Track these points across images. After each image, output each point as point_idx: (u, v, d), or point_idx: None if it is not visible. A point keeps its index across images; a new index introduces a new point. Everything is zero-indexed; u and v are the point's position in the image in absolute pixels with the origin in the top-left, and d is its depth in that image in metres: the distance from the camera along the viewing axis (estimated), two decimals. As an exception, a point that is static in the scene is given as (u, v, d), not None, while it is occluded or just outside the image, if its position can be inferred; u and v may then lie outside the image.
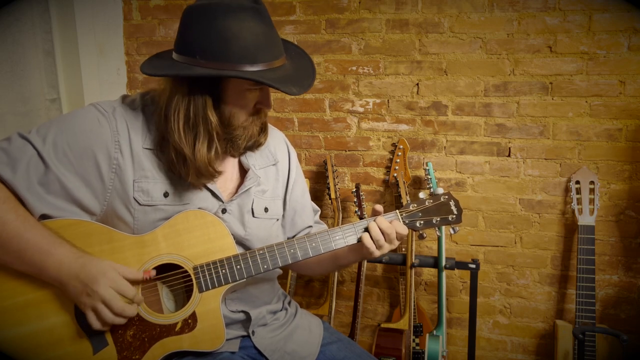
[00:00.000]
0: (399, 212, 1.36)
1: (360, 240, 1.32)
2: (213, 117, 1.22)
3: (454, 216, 1.38)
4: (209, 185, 1.31)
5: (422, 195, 1.40)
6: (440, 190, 1.41)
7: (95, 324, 1.15)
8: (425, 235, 1.40)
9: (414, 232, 2.24)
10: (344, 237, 1.33)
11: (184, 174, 1.25)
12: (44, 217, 1.20)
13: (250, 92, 1.25)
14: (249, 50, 1.17)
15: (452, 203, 1.39)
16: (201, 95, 1.21)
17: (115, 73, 2.73)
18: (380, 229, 1.30)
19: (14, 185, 1.17)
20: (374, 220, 1.31)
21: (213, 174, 1.28)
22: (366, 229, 1.32)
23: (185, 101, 1.21)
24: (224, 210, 1.33)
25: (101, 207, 1.25)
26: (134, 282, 1.18)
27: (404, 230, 1.32)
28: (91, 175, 1.22)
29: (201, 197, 1.31)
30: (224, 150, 1.30)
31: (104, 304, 1.13)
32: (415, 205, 1.38)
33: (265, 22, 1.21)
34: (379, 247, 1.31)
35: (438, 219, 1.38)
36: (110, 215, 1.26)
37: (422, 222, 1.37)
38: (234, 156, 1.38)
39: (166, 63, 1.24)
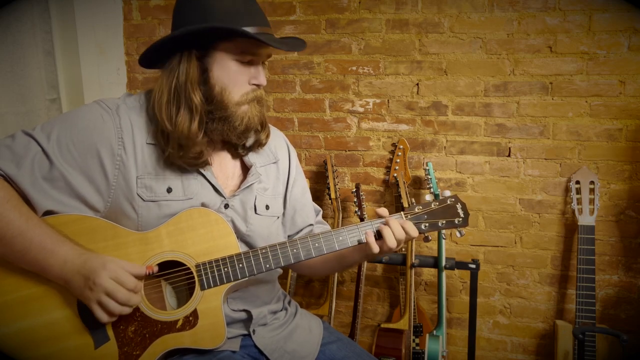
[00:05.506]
0: (404, 214, 1.34)
1: (365, 242, 1.31)
2: (196, 93, 1.23)
3: (461, 219, 1.36)
4: (211, 181, 1.31)
5: (428, 197, 1.38)
6: (447, 193, 1.38)
7: (102, 317, 1.15)
8: (430, 237, 1.38)
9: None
10: (348, 238, 1.31)
11: (168, 151, 1.25)
12: (47, 213, 1.20)
13: (239, 63, 1.25)
14: (231, 16, 1.20)
15: (459, 206, 1.37)
16: (186, 69, 1.22)
17: (115, 73, 2.73)
18: (392, 234, 1.29)
19: (18, 181, 1.17)
20: (386, 224, 1.29)
21: (193, 146, 1.25)
22: (377, 232, 1.30)
23: (171, 77, 1.23)
24: (226, 206, 1.33)
25: (105, 203, 1.25)
26: (136, 277, 1.18)
27: (414, 232, 1.31)
28: (95, 172, 1.22)
29: (204, 193, 1.31)
30: (220, 132, 1.29)
31: (107, 295, 1.13)
32: (421, 207, 1.35)
33: None
34: (387, 249, 1.30)
35: (444, 221, 1.35)
36: (114, 211, 1.25)
37: (427, 224, 1.35)
38: (237, 152, 1.38)
39: None
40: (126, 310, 1.16)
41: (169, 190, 1.27)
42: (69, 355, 1.18)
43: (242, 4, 1.23)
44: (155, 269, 1.21)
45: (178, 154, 1.25)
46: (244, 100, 1.28)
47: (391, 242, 1.28)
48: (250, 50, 1.24)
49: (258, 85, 1.29)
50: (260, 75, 1.29)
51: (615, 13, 2.18)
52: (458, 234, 1.41)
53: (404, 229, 1.30)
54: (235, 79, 1.26)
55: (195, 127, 1.24)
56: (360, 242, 1.31)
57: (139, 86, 2.79)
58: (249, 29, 1.20)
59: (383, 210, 1.32)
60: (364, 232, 1.31)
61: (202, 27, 1.19)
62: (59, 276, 1.15)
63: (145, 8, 2.71)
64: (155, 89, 1.26)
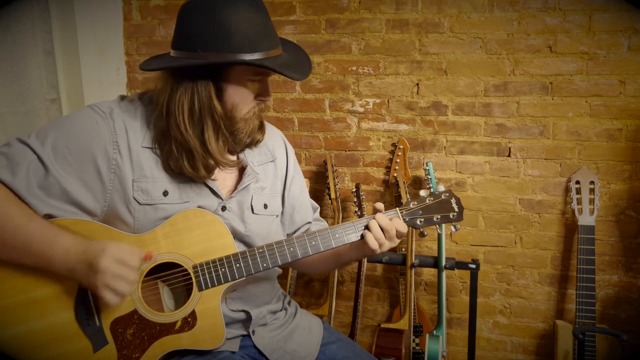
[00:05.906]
0: (399, 210, 1.35)
1: (360, 237, 1.31)
2: (219, 107, 1.24)
3: (455, 214, 1.38)
4: (209, 183, 1.31)
5: (422, 193, 1.39)
6: (442, 188, 1.40)
7: (113, 299, 1.13)
8: (426, 233, 1.39)
9: (414, 231, 2.25)
10: (344, 235, 1.32)
11: (187, 168, 1.25)
12: (45, 217, 1.20)
13: (251, 82, 1.27)
14: (249, 39, 1.19)
15: (453, 201, 1.38)
16: (205, 86, 1.22)
17: (115, 73, 2.73)
18: (380, 226, 1.30)
19: (14, 189, 1.17)
20: (374, 218, 1.31)
21: (226, 163, 1.30)
22: (367, 227, 1.31)
23: (189, 94, 1.22)
24: (223, 208, 1.34)
25: (102, 208, 1.25)
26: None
27: (403, 227, 1.32)
28: (91, 177, 1.22)
29: (201, 195, 1.31)
30: (226, 144, 1.31)
31: (115, 277, 1.12)
32: (416, 203, 1.37)
33: (262, 13, 1.24)
34: (379, 244, 1.30)
35: (439, 216, 1.37)
36: (111, 216, 1.26)
37: (422, 219, 1.36)
38: (234, 151, 1.38)
39: (166, 60, 1.26)
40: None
41: (165, 193, 1.27)
42: (68, 359, 1.18)
43: (261, 26, 1.23)
44: (156, 255, 1.21)
45: (199, 172, 1.26)
46: (250, 116, 1.30)
47: (376, 230, 1.29)
48: (264, 72, 1.27)
49: (263, 100, 1.31)
50: (267, 91, 1.31)
51: (615, 13, 2.17)
52: (453, 229, 1.42)
53: (388, 225, 1.31)
54: (245, 96, 1.28)
55: (221, 145, 1.29)
56: (359, 238, 1.32)
57: (138, 86, 2.79)
58: (267, 54, 1.22)
59: (379, 205, 1.34)
60: (360, 228, 1.32)
61: (229, 61, 1.19)
62: (63, 266, 1.15)
63: (145, 8, 2.71)
64: (171, 106, 1.23)
